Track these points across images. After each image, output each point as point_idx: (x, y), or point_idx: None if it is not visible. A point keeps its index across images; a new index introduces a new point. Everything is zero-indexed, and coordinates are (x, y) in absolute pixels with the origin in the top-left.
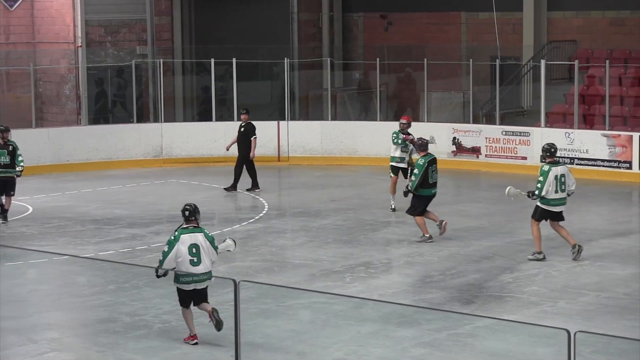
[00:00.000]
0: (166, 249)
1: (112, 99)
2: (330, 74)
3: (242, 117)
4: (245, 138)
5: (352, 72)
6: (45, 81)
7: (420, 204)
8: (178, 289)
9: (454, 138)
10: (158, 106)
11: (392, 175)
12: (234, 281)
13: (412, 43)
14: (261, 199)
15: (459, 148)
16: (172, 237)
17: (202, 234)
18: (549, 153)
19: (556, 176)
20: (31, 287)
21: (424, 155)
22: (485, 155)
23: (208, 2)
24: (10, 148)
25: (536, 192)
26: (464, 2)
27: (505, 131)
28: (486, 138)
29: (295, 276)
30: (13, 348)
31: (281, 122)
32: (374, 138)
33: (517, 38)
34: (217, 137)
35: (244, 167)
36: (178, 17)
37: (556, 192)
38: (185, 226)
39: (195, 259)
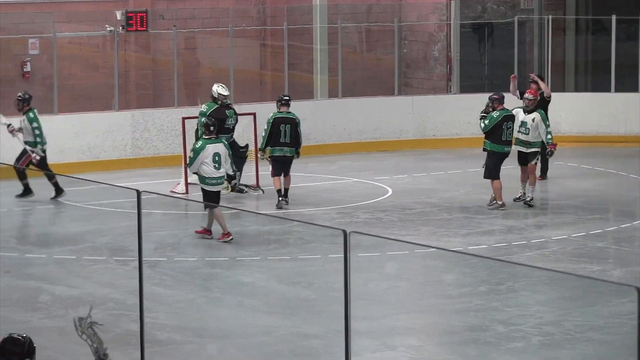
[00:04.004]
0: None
1: (487, 62)
2: None
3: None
4: None
5: None
6: (410, 40)
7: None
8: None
9: None
10: (544, 72)
11: None
12: (638, 289)
13: None
14: None
15: None
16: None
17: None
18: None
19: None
20: (388, 284)
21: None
22: None
23: None
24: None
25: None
26: None
27: None
28: None
29: None
30: (365, 354)
31: None
32: None
33: None
34: (615, 111)
35: None
36: None
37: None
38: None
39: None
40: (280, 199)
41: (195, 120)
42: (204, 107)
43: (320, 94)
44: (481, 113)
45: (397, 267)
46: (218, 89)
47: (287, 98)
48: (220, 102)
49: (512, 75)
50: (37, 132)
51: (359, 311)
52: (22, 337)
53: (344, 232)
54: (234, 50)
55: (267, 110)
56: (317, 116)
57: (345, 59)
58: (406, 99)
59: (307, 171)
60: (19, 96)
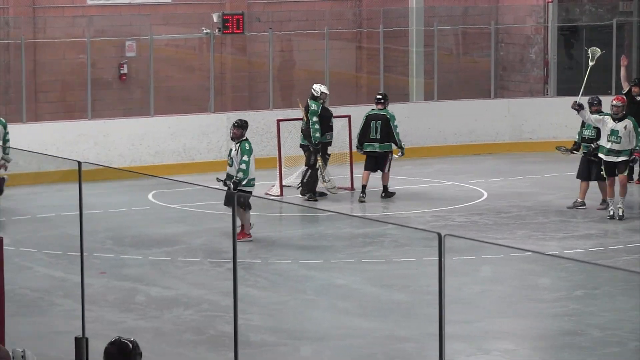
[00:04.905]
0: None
1: (584, 65)
2: None
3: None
4: None
5: None
6: (507, 43)
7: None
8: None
9: None
10: None
11: None
12: None
13: None
14: None
15: None
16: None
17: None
18: None
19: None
20: (483, 287)
21: None
22: None
23: None
24: None
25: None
26: None
27: None
28: None
29: None
30: (460, 357)
31: None
32: None
33: None
34: None
35: None
36: None
37: None
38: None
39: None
40: (362, 194)
41: (292, 122)
42: (313, 106)
43: (415, 96)
44: (593, 147)
45: (492, 271)
46: (321, 87)
47: (380, 97)
48: (322, 100)
49: (623, 57)
50: None
51: (453, 315)
52: (130, 341)
53: (439, 235)
54: (330, 52)
55: (362, 113)
56: (412, 119)
57: (441, 61)
58: (502, 102)
59: (402, 174)
60: None
